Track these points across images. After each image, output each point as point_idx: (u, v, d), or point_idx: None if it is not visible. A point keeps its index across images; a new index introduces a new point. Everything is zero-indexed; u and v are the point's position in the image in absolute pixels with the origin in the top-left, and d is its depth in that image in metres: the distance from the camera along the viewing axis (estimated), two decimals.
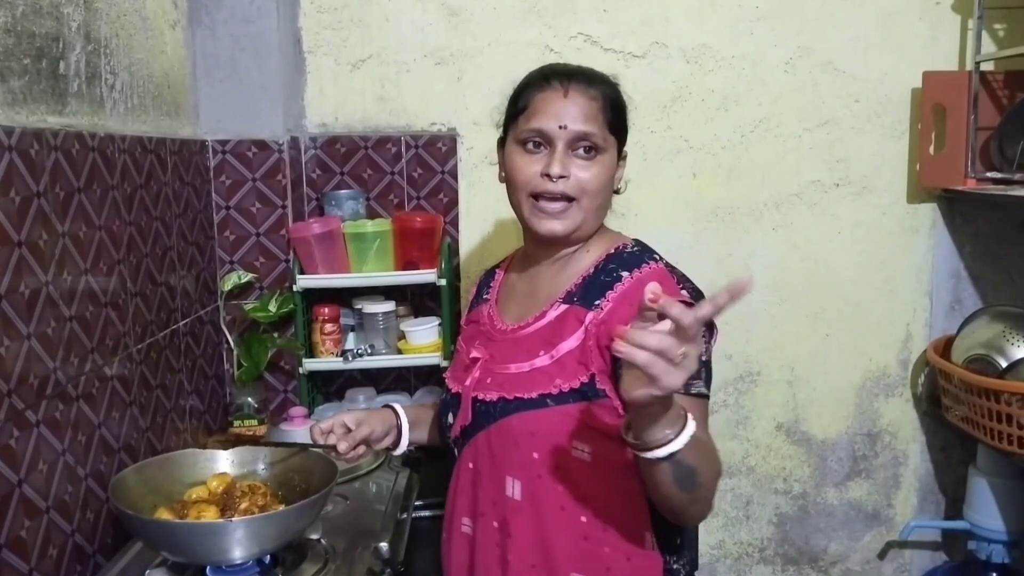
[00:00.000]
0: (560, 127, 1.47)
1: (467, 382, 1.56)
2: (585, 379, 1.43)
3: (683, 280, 1.49)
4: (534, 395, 1.45)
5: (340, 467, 1.62)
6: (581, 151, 1.48)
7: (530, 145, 1.50)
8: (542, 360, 1.47)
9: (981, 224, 2.70)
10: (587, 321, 1.45)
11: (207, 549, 1.44)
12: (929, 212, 2.71)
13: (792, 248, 2.71)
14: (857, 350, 2.77)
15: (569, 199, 1.48)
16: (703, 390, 1.40)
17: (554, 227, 1.50)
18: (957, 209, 2.70)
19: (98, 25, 1.77)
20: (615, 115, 1.51)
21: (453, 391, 1.61)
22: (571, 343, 1.45)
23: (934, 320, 2.76)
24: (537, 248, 1.60)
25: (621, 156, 1.56)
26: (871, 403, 2.80)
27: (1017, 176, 2.36)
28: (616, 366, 1.39)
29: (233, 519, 1.45)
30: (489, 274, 1.78)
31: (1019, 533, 2.46)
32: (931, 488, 2.85)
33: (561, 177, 1.46)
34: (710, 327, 1.44)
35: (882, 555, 2.88)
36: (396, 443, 1.75)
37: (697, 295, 1.47)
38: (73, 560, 1.58)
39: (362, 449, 1.67)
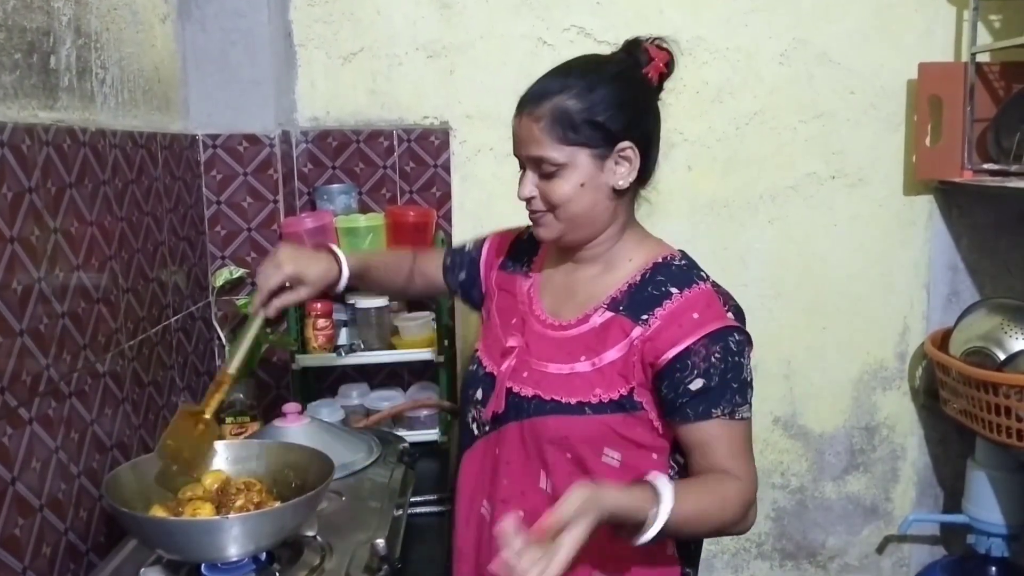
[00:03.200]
0: (518, 154, 1.49)
1: (503, 367, 1.54)
2: (624, 391, 1.43)
3: (727, 301, 1.49)
4: (572, 401, 1.44)
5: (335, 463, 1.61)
6: (542, 171, 1.46)
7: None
8: (583, 366, 1.46)
9: (978, 216, 2.70)
10: (633, 336, 1.43)
11: (202, 547, 1.42)
12: (926, 204, 2.71)
13: (788, 241, 2.71)
14: (854, 343, 2.77)
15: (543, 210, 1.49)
16: (746, 415, 1.43)
17: (539, 233, 1.52)
18: (954, 201, 2.69)
19: (88, 19, 1.75)
20: (568, 126, 1.42)
21: (487, 369, 1.59)
22: (614, 354, 1.44)
23: (931, 313, 2.75)
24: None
25: (615, 153, 1.45)
26: (869, 396, 2.79)
27: (1014, 168, 2.36)
28: (658, 381, 1.41)
29: (228, 516, 1.43)
30: (532, 242, 1.67)
31: (1018, 526, 2.46)
32: (930, 482, 2.85)
33: (531, 198, 1.48)
34: (748, 340, 1.45)
35: (881, 549, 2.88)
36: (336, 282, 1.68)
37: (738, 313, 1.48)
38: (67, 559, 1.57)
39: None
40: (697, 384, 1.38)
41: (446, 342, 2.45)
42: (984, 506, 2.48)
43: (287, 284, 1.60)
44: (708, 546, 2.83)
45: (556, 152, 1.43)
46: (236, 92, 2.35)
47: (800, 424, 2.81)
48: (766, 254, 2.70)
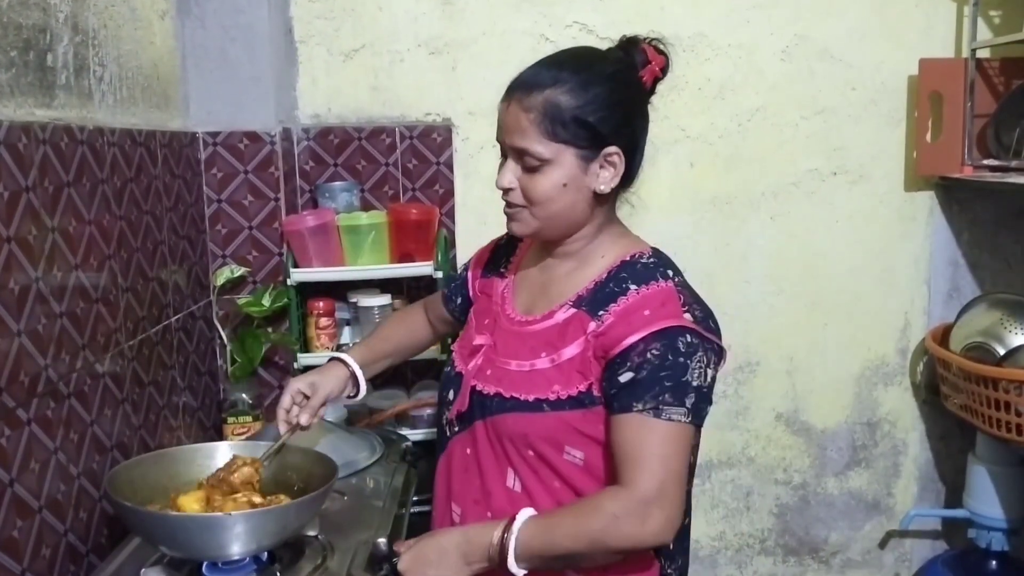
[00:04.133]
0: (501, 140, 1.47)
1: (469, 366, 1.55)
2: (583, 388, 1.41)
3: (691, 303, 1.42)
4: (531, 398, 1.44)
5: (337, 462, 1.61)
6: (524, 163, 1.44)
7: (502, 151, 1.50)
8: (543, 362, 1.45)
9: (978, 211, 2.69)
10: (588, 331, 1.42)
11: (205, 543, 1.41)
12: (926, 200, 2.70)
13: (790, 238, 2.70)
14: (856, 339, 2.77)
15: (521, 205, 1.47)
16: (675, 416, 1.34)
17: (512, 228, 1.51)
18: (954, 197, 2.69)
19: (86, 16, 1.74)
20: (557, 121, 1.39)
21: (457, 369, 1.59)
22: (573, 350, 1.43)
23: (932, 308, 2.75)
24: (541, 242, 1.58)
25: (601, 157, 1.43)
26: (870, 392, 2.79)
27: (1014, 163, 2.36)
28: (605, 375, 1.39)
29: (231, 513, 1.42)
30: (511, 245, 1.70)
31: (1019, 520, 2.46)
32: (931, 477, 2.85)
33: (509, 190, 1.47)
34: (719, 351, 1.42)
35: (883, 544, 2.88)
36: (356, 391, 1.78)
37: (704, 317, 1.42)
38: (67, 560, 1.56)
39: (323, 411, 1.73)
40: (626, 376, 1.36)
41: (450, 340, 2.44)
42: (985, 501, 2.48)
43: (304, 395, 1.70)
44: (711, 542, 2.85)
45: (542, 147, 1.41)
46: (236, 89, 2.34)
47: (802, 420, 2.80)
48: (768, 250, 2.70)
